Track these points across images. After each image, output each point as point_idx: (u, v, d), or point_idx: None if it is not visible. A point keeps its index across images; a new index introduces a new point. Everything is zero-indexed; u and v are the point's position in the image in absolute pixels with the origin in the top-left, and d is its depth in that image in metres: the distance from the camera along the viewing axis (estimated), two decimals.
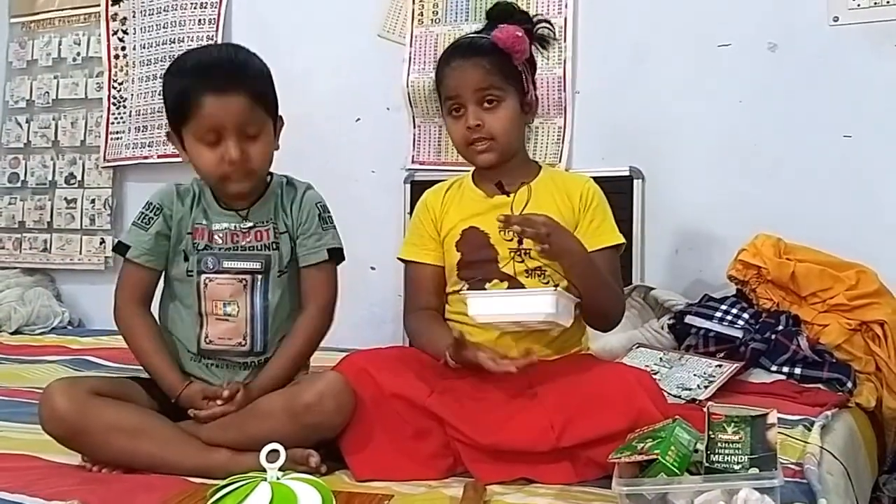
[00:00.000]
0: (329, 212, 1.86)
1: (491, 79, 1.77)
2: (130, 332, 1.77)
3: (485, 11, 1.88)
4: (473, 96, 1.77)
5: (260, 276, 1.77)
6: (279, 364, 1.75)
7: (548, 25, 1.86)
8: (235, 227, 1.78)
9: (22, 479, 1.48)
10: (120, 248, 1.80)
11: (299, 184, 1.86)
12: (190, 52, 1.87)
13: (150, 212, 1.79)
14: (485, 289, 1.77)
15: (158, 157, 3.28)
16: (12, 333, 3.22)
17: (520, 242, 1.66)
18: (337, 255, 1.84)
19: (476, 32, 1.87)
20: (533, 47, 1.84)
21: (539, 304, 1.57)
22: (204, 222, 1.79)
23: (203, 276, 1.76)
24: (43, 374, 2.45)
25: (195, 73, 1.72)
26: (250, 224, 1.78)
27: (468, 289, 1.77)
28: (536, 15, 1.87)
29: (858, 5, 2.45)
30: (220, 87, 1.67)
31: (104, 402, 1.59)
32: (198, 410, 1.65)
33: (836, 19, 2.48)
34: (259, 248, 1.78)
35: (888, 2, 2.42)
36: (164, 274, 1.82)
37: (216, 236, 1.78)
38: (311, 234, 1.81)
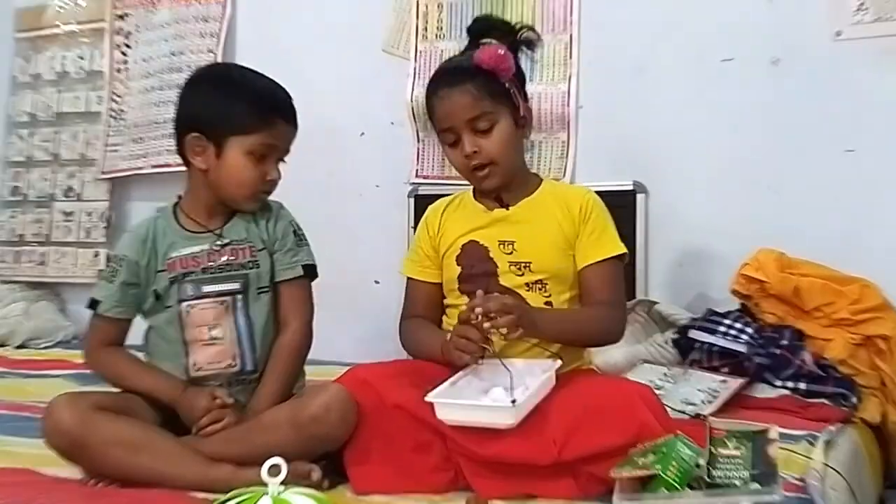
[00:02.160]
0: (302, 230, 1.90)
1: (481, 104, 1.74)
2: (105, 367, 1.80)
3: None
4: (467, 125, 1.75)
5: (240, 297, 1.79)
6: (272, 387, 1.77)
7: (531, 31, 1.85)
8: (210, 246, 1.80)
9: (24, 493, 1.49)
10: (92, 304, 1.81)
11: (272, 202, 1.89)
12: (240, 72, 1.92)
13: (115, 263, 1.81)
14: None
15: (152, 167, 3.29)
16: (17, 347, 3.24)
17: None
18: (311, 271, 1.88)
19: (460, 53, 1.85)
20: (521, 54, 1.83)
21: (500, 416, 1.51)
22: (174, 254, 1.80)
23: (184, 304, 1.77)
24: (47, 388, 2.43)
25: (271, 95, 1.84)
26: (226, 241, 1.81)
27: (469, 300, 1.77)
28: (518, 23, 1.85)
29: (861, 20, 2.45)
30: (292, 118, 1.84)
31: (106, 417, 1.59)
32: (200, 421, 1.66)
33: (838, 34, 2.48)
34: (236, 267, 1.80)
35: (890, 17, 2.42)
36: (143, 314, 1.83)
37: (192, 260, 1.79)
38: (287, 249, 1.85)
